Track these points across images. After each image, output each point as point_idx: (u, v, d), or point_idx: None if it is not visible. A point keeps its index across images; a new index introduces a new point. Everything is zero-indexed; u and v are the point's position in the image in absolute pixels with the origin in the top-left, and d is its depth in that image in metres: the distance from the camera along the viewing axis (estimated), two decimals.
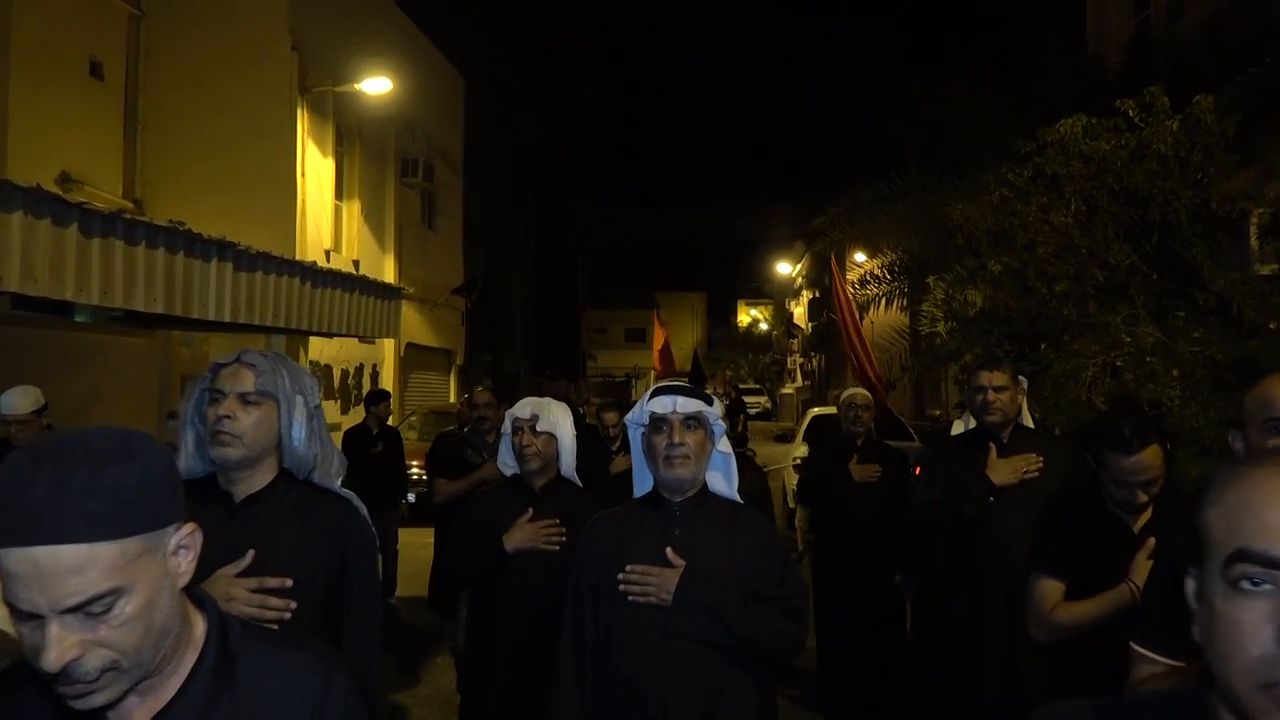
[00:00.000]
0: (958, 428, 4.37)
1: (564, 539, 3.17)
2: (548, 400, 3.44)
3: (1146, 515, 2.76)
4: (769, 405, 44.73)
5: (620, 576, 2.45)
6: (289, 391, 2.28)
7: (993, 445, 3.74)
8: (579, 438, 3.98)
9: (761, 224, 56.45)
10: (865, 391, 5.86)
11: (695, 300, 68.39)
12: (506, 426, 3.39)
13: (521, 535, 3.18)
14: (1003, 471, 3.67)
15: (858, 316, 7.78)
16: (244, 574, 2.14)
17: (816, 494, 5.74)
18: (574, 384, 28.87)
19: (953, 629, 3.72)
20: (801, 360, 45.31)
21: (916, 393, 21.89)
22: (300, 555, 2.21)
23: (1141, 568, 2.61)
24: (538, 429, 3.31)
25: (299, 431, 2.28)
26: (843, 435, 5.76)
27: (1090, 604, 2.69)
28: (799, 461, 12.06)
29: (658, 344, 14.78)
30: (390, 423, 9.20)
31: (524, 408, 3.37)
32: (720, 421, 2.63)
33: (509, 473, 3.42)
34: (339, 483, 2.37)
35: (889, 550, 5.31)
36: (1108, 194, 6.36)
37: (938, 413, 18.32)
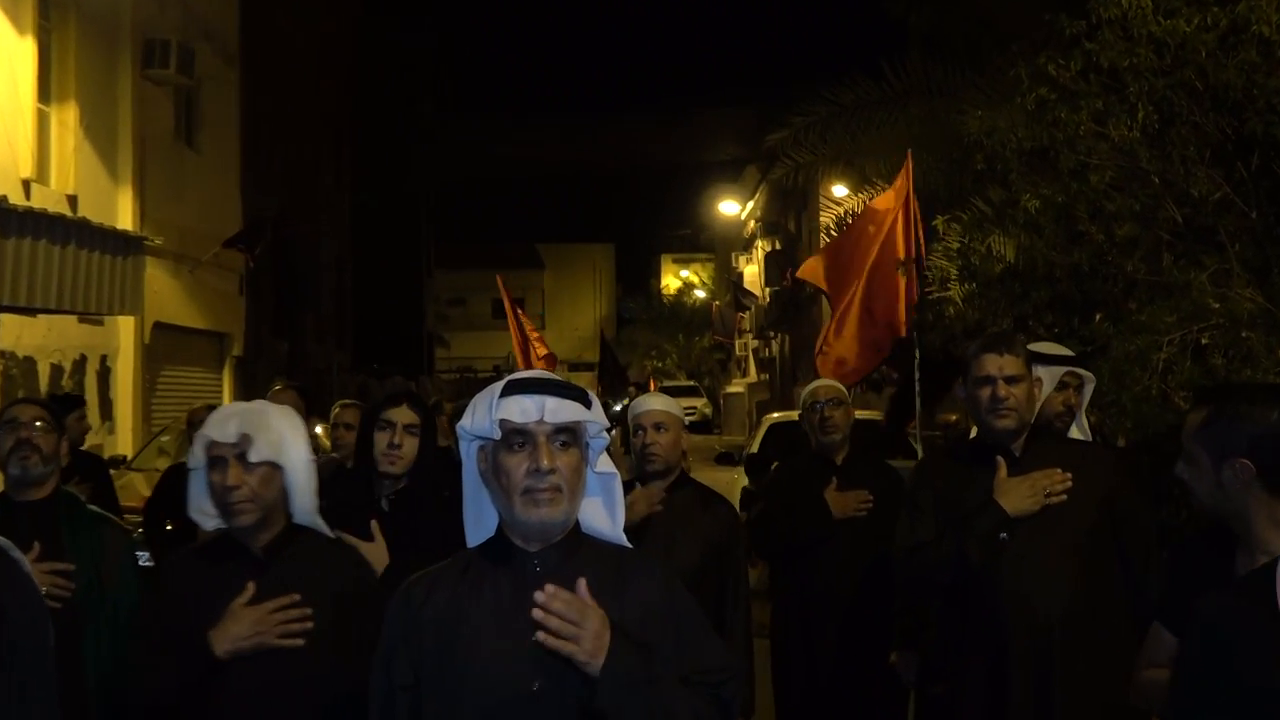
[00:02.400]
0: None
1: (310, 626, 3.08)
2: (262, 407, 3.28)
3: None
4: (709, 411, 45.07)
5: (539, 598, 2.33)
6: None
7: (1001, 460, 3.80)
8: (436, 467, 3.84)
9: (695, 142, 56.81)
10: (833, 382, 5.89)
11: (599, 255, 68.61)
12: (197, 457, 3.21)
13: (239, 628, 3.06)
14: (1017, 495, 3.73)
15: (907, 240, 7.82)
16: None
17: (777, 539, 5.77)
18: (417, 382, 28.58)
19: None
20: (756, 344, 45.79)
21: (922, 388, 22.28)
22: None
23: None
24: (250, 458, 3.13)
25: None
26: (812, 450, 5.80)
27: None
28: (751, 491, 12.13)
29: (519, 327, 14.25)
30: (109, 445, 8.95)
31: (225, 423, 3.17)
32: (604, 434, 2.62)
33: (210, 525, 3.24)
34: None
35: (883, 620, 5.36)
36: (1188, 96, 6.51)
37: (953, 418, 18.60)
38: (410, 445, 4.16)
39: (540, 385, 2.54)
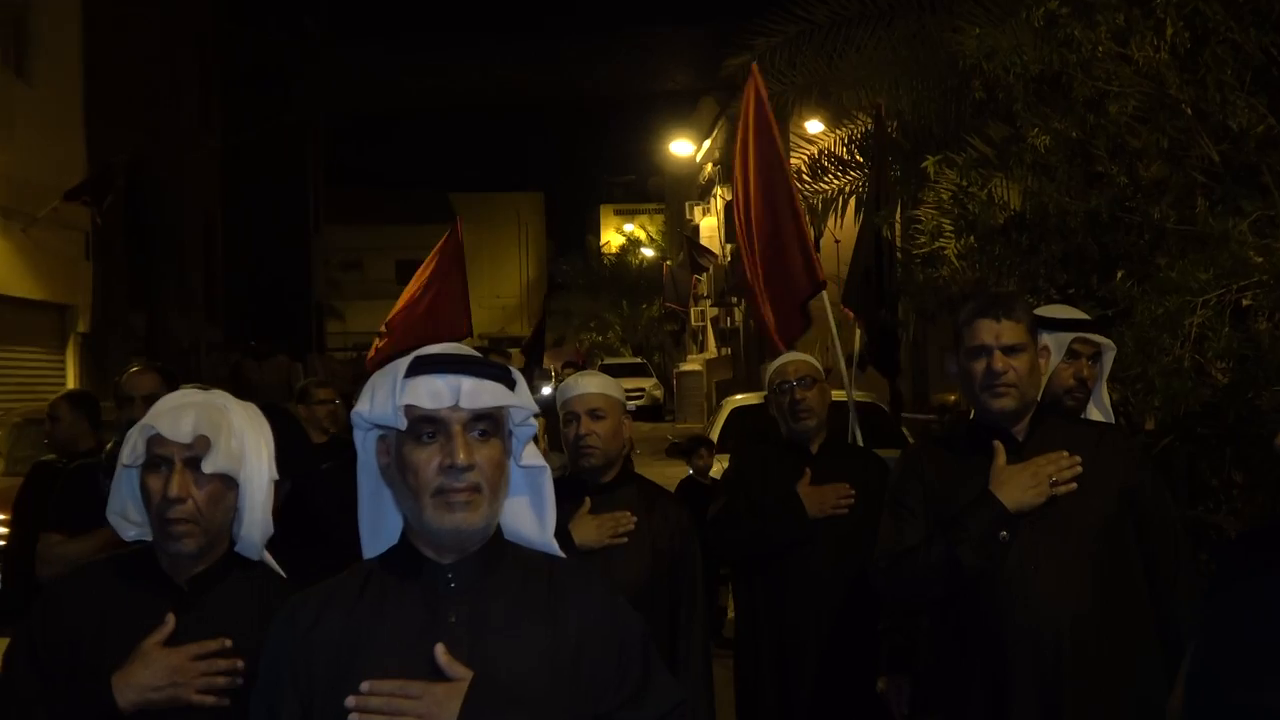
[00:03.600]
0: None
1: (241, 683, 2.93)
2: (225, 402, 3.13)
3: None
4: (659, 394, 45.09)
5: (350, 702, 2.40)
6: None
7: (999, 445, 3.83)
8: (315, 466, 3.81)
9: (641, 70, 56.67)
10: (806, 358, 5.93)
11: (525, 206, 68.40)
12: (133, 452, 3.08)
13: (151, 675, 2.96)
14: (1018, 485, 3.76)
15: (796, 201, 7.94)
16: None
17: (740, 543, 5.81)
18: (303, 364, 28.27)
19: None
20: (715, 312, 45.86)
21: (914, 361, 22.46)
22: None
23: None
24: (204, 467, 3.02)
25: None
26: (782, 437, 5.86)
27: None
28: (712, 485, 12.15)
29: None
30: None
31: (178, 417, 3.03)
32: (530, 421, 2.63)
33: (131, 535, 3.15)
34: None
35: (868, 640, 5.42)
36: (1225, 9, 6.56)
37: (952, 398, 18.83)
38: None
39: (455, 363, 2.53)
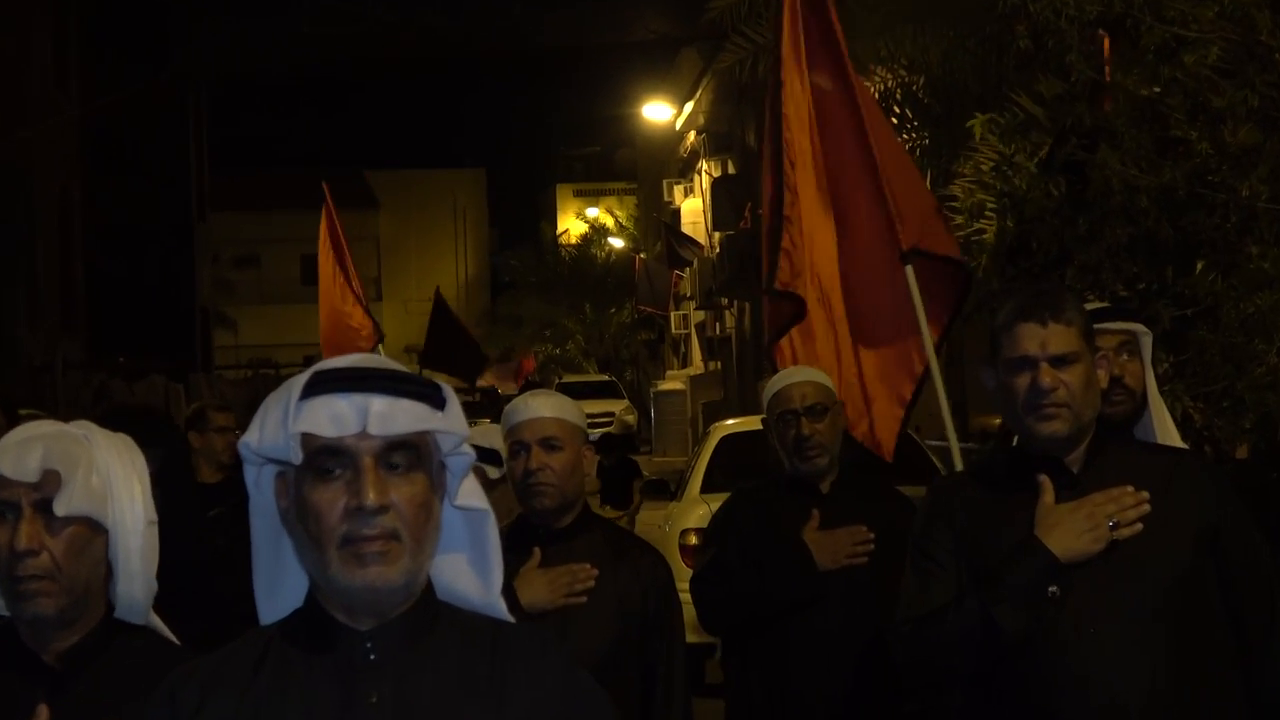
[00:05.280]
0: None
1: None
2: (84, 431, 3.16)
3: None
4: (632, 419, 45.14)
5: None
6: None
7: (1045, 480, 3.82)
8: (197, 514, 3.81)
9: (606, 16, 56.77)
10: (814, 376, 5.92)
11: (462, 187, 68.45)
12: None
13: None
14: (1070, 529, 3.76)
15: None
16: None
17: (735, 604, 5.84)
18: (184, 386, 28.20)
19: None
20: (701, 316, 45.91)
21: (951, 375, 22.48)
22: None
23: None
24: (56, 509, 3.03)
25: None
26: (785, 475, 5.89)
27: None
28: (697, 539, 12.18)
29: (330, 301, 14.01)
30: None
31: (22, 452, 3.05)
32: (466, 449, 2.60)
33: None
34: None
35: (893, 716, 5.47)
36: None
37: (997, 421, 18.87)
38: None
39: (362, 378, 2.50)
